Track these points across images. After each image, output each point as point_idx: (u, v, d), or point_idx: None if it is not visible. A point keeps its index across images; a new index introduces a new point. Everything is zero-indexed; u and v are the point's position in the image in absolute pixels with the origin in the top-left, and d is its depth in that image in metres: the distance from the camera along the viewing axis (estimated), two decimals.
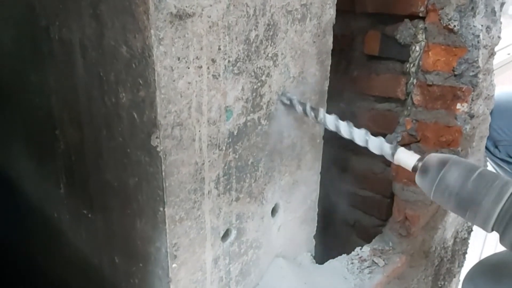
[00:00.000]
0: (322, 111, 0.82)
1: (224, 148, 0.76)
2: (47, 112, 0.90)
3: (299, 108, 0.83)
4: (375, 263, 1.16)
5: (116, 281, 0.90)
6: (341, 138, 1.43)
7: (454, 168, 0.68)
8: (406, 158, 0.74)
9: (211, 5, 0.65)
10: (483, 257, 3.35)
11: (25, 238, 1.21)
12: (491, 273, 1.12)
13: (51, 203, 1.03)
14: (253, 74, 0.76)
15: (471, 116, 1.14)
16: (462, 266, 1.65)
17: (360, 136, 0.78)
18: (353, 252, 1.20)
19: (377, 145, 0.77)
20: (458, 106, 1.12)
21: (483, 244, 3.29)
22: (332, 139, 1.07)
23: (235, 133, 0.77)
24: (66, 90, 0.82)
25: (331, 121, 0.81)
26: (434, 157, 0.71)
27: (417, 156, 0.73)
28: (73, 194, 0.94)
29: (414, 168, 0.73)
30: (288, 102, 0.83)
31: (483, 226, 0.65)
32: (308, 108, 0.82)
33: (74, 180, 0.91)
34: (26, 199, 1.12)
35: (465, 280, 1.18)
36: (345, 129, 0.80)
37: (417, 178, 0.72)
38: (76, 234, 0.97)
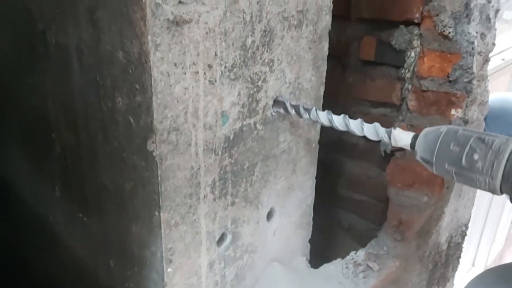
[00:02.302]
0: (314, 109, 0.82)
1: (220, 152, 0.76)
2: (43, 115, 0.90)
3: (291, 111, 0.83)
4: (370, 267, 1.16)
5: (111, 285, 0.90)
6: (337, 142, 1.43)
7: (449, 138, 0.66)
8: (403, 138, 0.73)
9: (208, 12, 0.65)
10: (476, 262, 3.35)
11: (20, 241, 1.20)
12: (495, 283, 1.12)
13: (46, 206, 1.02)
14: (249, 79, 0.77)
15: (466, 122, 1.15)
16: (456, 270, 1.66)
17: (356, 125, 0.78)
18: (348, 257, 1.20)
19: (372, 131, 0.77)
20: (453, 111, 1.13)
21: (477, 249, 3.30)
22: (327, 143, 1.07)
23: (231, 138, 0.78)
24: (63, 94, 0.82)
25: (324, 116, 0.81)
26: (428, 131, 0.70)
27: (412, 134, 0.72)
28: (68, 198, 0.94)
29: (412, 146, 0.72)
30: (281, 109, 0.84)
31: (492, 191, 0.64)
32: (301, 109, 0.82)
33: (70, 183, 0.91)
34: (21, 202, 1.12)
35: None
36: (340, 122, 0.79)
37: (416, 156, 0.71)
38: (71, 238, 0.97)
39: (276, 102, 0.84)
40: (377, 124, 0.76)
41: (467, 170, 0.65)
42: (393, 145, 0.75)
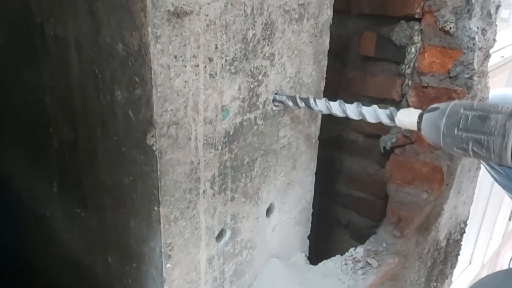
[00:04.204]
0: (325, 100, 0.80)
1: (220, 147, 0.76)
2: (41, 109, 0.89)
3: (288, 102, 0.82)
4: (369, 264, 1.16)
5: (109, 281, 0.89)
6: (336, 139, 1.42)
7: (459, 106, 0.65)
8: (409, 115, 0.72)
9: (208, 3, 0.65)
10: (473, 259, 3.35)
11: (17, 237, 1.19)
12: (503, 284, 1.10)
13: (43, 202, 1.01)
14: (250, 73, 0.76)
15: None
16: (455, 267, 1.66)
17: (369, 112, 0.76)
18: (347, 253, 1.20)
19: (388, 113, 0.74)
20: None
21: (474, 246, 3.31)
22: (326, 140, 1.06)
23: (231, 132, 0.77)
24: (61, 88, 0.81)
25: (337, 107, 0.79)
26: (436, 104, 0.68)
27: (419, 110, 0.71)
28: (66, 193, 0.93)
29: (419, 122, 0.70)
30: (282, 99, 0.83)
31: (502, 161, 0.61)
32: (311, 101, 0.81)
33: (68, 178, 0.90)
34: (18, 197, 1.11)
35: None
36: (354, 110, 0.78)
37: (423, 127, 0.69)
38: (69, 233, 0.96)
39: (276, 97, 0.83)
40: (392, 108, 0.74)
41: (478, 131, 0.62)
42: (398, 125, 0.73)
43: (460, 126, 0.64)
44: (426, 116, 0.69)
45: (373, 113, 0.76)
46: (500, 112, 0.61)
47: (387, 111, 0.75)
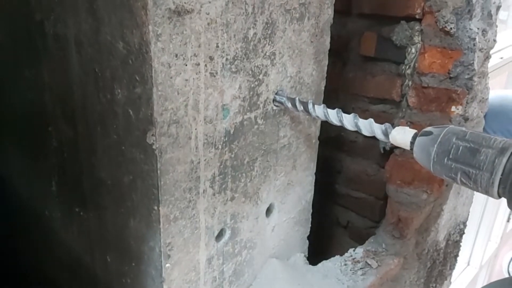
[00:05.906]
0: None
1: (220, 147, 0.75)
2: (40, 108, 0.89)
3: (287, 104, 0.82)
4: (368, 264, 1.16)
5: (108, 280, 0.89)
6: (335, 139, 1.42)
7: (452, 134, 0.65)
8: (403, 134, 0.72)
9: (210, 2, 0.64)
10: (471, 261, 3.33)
11: (16, 236, 1.19)
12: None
13: (42, 202, 1.01)
14: (250, 72, 0.76)
15: (466, 119, 1.14)
16: (454, 268, 1.66)
17: (365, 125, 0.77)
18: (346, 254, 1.20)
19: (383, 129, 0.75)
20: (453, 108, 1.12)
21: (472, 248, 3.31)
22: (326, 140, 1.06)
23: (232, 132, 0.77)
24: (61, 86, 0.81)
25: (334, 115, 0.79)
26: (430, 127, 0.69)
27: (414, 131, 0.71)
28: (65, 192, 0.92)
29: (412, 143, 0.70)
30: (282, 100, 0.83)
31: (488, 194, 0.62)
32: (310, 106, 0.81)
33: (67, 178, 0.90)
34: (16, 196, 1.10)
35: None
36: (351, 121, 0.78)
37: (415, 149, 0.69)
38: (68, 233, 0.96)
39: (276, 97, 0.83)
40: (388, 125, 0.75)
41: (467, 162, 0.63)
42: (392, 142, 0.74)
43: (451, 156, 0.64)
44: (418, 139, 0.69)
45: (369, 127, 0.76)
46: (491, 147, 0.61)
47: (383, 126, 0.75)
